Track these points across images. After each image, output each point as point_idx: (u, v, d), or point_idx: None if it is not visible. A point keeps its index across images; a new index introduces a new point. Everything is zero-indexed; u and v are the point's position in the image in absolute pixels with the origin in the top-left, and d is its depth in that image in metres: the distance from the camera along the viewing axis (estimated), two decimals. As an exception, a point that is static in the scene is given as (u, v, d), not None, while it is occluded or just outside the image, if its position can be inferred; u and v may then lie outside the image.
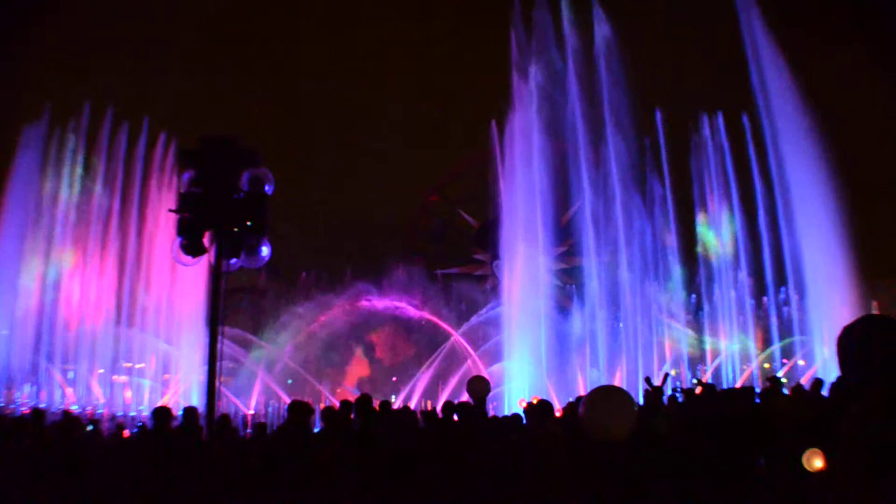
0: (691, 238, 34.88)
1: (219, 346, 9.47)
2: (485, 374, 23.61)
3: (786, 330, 31.71)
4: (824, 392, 9.35)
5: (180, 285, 32.13)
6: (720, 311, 32.98)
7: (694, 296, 36.14)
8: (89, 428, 11.82)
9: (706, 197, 33.71)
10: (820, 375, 16.49)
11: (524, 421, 9.64)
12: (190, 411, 8.96)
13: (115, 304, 33.18)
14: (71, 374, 33.14)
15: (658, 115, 33.44)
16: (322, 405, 21.02)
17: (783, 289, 30.98)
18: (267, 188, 9.94)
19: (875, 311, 16.95)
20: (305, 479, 7.06)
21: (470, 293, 41.54)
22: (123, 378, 33.22)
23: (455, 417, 8.40)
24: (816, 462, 4.95)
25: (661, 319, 32.20)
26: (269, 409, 30.45)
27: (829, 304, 24.41)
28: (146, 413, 25.48)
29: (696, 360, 34.33)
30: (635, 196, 31.11)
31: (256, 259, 9.94)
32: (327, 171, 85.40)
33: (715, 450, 7.12)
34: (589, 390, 6.47)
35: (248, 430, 15.59)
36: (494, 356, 29.77)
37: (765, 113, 27.21)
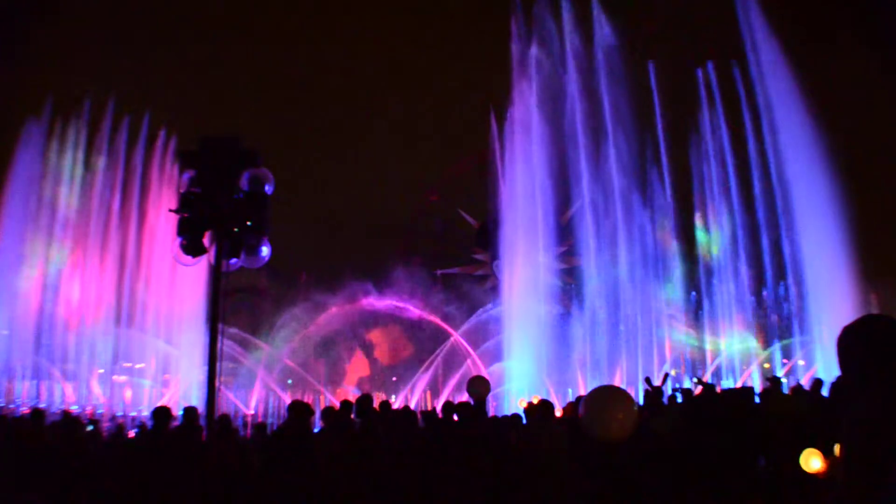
0: (691, 236, 34.83)
1: (219, 346, 9.46)
2: (485, 374, 23.61)
3: (786, 330, 31.68)
4: (824, 392, 9.37)
5: (180, 285, 32.09)
6: (720, 310, 32.89)
7: (694, 293, 36.05)
8: (89, 428, 11.83)
9: (706, 195, 33.64)
10: (820, 375, 16.52)
11: (524, 421, 9.66)
12: (190, 411, 8.98)
13: (114, 304, 33.16)
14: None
15: (658, 115, 33.39)
16: (322, 405, 21.00)
17: (782, 284, 30.97)
18: (267, 188, 9.94)
19: (875, 311, 16.91)
20: (305, 479, 7.06)
21: (470, 293, 41.48)
22: (123, 378, 33.18)
23: (455, 417, 8.40)
24: (815, 462, 4.94)
25: (661, 319, 32.12)
26: (269, 409, 30.44)
27: (830, 303, 24.38)
28: (146, 413, 25.45)
29: (697, 360, 34.25)
30: (635, 192, 31.06)
31: (256, 259, 9.93)
32: (327, 170, 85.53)
33: (715, 450, 7.11)
34: (589, 390, 6.46)
35: (249, 431, 15.60)
36: (494, 356, 29.73)
37: (765, 112, 27.24)
